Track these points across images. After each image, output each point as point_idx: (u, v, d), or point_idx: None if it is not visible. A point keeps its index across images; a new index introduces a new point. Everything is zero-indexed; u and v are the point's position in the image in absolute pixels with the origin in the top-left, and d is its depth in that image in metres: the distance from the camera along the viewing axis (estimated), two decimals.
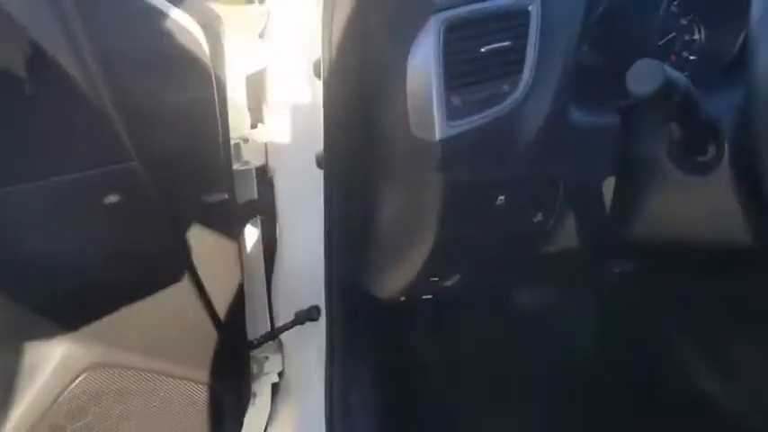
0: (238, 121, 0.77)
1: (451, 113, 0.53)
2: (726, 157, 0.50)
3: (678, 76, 0.46)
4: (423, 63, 0.52)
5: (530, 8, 0.53)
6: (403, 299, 0.65)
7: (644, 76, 0.45)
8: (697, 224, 0.55)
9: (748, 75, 0.42)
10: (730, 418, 0.88)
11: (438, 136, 0.53)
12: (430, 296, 0.67)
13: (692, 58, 0.60)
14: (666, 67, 0.45)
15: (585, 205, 0.59)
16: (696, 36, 0.61)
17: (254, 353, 0.84)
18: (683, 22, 0.61)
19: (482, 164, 0.54)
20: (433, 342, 0.83)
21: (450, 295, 0.67)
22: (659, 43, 0.56)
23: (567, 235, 0.60)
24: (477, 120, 0.53)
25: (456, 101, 0.53)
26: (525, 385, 0.84)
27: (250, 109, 0.81)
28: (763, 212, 0.47)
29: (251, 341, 0.79)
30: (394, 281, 0.63)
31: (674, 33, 0.60)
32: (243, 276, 0.74)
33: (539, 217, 0.57)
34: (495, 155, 0.54)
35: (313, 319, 0.82)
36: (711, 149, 0.51)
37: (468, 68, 0.53)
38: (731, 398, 0.88)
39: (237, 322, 0.74)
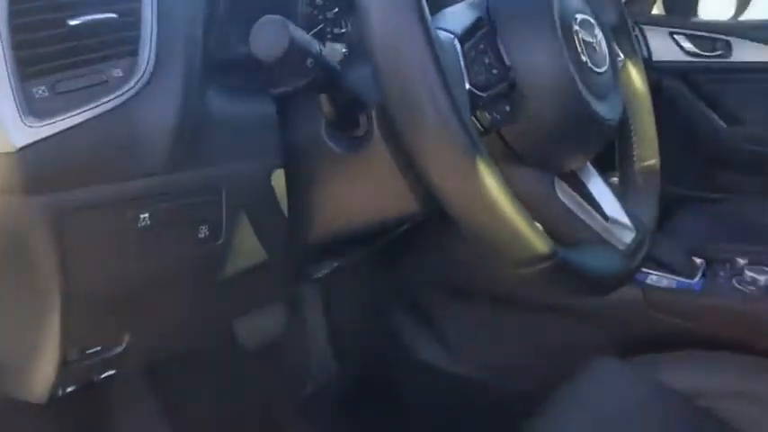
0: None
1: (34, 109, 0.38)
2: (375, 131, 0.48)
3: (306, 37, 0.42)
4: None
5: None
6: None
7: (269, 38, 0.41)
8: (369, 200, 0.52)
9: (366, 48, 0.39)
10: (456, 380, 0.97)
11: (14, 143, 0.37)
12: None
13: (343, 50, 0.58)
14: (292, 26, 0.41)
15: (259, 208, 0.50)
16: (344, 29, 0.59)
17: None
18: (329, 15, 0.58)
19: (89, 175, 0.40)
20: None
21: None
22: (308, 34, 0.52)
23: (250, 246, 0.51)
24: (74, 116, 0.39)
25: (40, 91, 0.38)
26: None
27: None
28: (419, 181, 0.45)
29: None
30: None
31: (321, 25, 0.58)
32: None
33: (203, 232, 0.46)
34: (108, 160, 0.40)
35: None
36: (363, 123, 0.49)
37: (55, 47, 0.39)
38: (451, 363, 0.98)
39: None
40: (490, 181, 0.39)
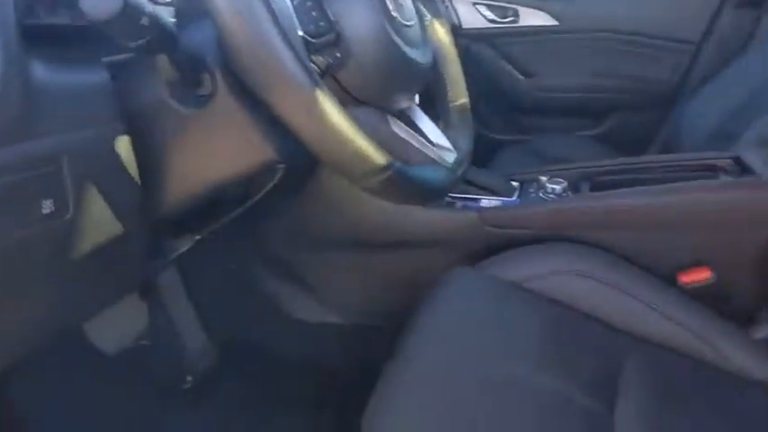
0: None
1: None
2: (220, 87, 0.51)
3: None
4: None
5: None
6: None
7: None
8: (223, 155, 0.55)
9: (209, 12, 0.44)
10: (329, 329, 1.05)
11: None
12: None
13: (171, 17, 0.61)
14: None
15: (107, 178, 0.50)
16: None
17: None
18: None
19: None
20: None
21: None
22: None
23: (103, 219, 0.50)
24: None
25: None
26: None
27: None
28: (270, 127, 0.52)
29: None
30: None
31: None
32: None
33: (48, 207, 0.45)
34: None
35: None
36: (206, 82, 0.52)
37: None
38: (323, 314, 1.05)
39: None
40: (330, 107, 0.47)
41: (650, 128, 1.55)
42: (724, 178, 0.90)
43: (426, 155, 0.63)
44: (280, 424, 1.04)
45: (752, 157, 0.91)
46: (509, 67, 1.57)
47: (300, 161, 0.59)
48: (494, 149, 1.48)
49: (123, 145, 0.50)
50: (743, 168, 0.91)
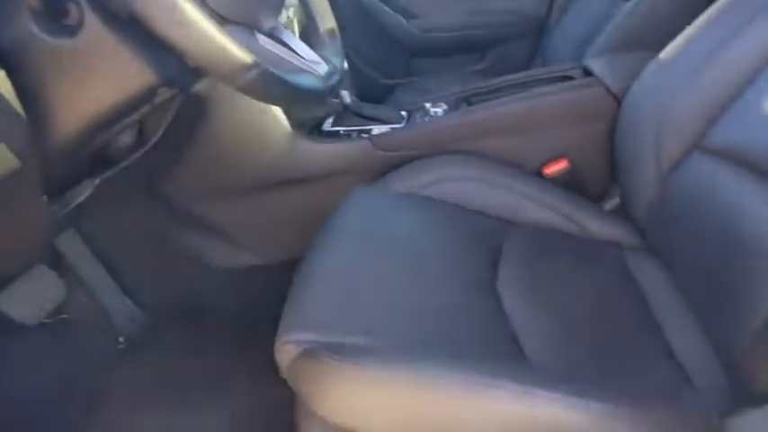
0: None
1: None
2: (87, 15, 0.54)
3: None
4: None
5: None
6: None
7: None
8: (105, 82, 0.57)
9: None
10: (251, 273, 1.12)
11: None
12: None
13: None
14: None
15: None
16: None
17: None
18: None
19: None
20: None
21: None
22: None
23: None
24: None
25: None
26: None
27: None
28: (145, 52, 0.55)
29: None
30: None
31: None
32: None
33: None
34: None
35: None
36: (73, 10, 0.54)
37: None
38: (242, 259, 1.12)
39: None
40: (190, 7, 0.51)
41: (526, 57, 1.71)
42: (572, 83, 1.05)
43: (298, 65, 0.69)
44: (216, 369, 1.08)
45: (595, 65, 1.07)
46: (395, 15, 1.67)
47: (181, 81, 0.61)
48: (386, 93, 1.58)
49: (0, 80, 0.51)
50: (588, 74, 1.06)
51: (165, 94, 0.67)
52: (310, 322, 0.66)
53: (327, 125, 1.12)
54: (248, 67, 0.56)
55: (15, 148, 0.54)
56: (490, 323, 0.70)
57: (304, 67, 0.71)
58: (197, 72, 0.69)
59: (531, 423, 0.55)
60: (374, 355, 0.61)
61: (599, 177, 1.01)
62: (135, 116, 0.69)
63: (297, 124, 1.06)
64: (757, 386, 0.56)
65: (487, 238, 0.88)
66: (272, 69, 0.59)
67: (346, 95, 1.13)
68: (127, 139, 0.76)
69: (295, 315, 0.68)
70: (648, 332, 0.72)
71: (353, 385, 0.59)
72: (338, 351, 0.61)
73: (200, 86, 0.88)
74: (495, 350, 0.66)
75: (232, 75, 0.55)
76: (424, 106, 1.13)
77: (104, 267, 1.09)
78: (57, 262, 1.01)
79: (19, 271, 0.85)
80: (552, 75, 1.11)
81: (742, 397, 0.56)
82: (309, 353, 0.62)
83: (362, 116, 1.11)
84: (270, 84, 0.59)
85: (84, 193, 0.71)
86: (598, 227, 0.92)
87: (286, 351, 0.63)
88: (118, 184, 0.82)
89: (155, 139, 0.78)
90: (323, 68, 0.73)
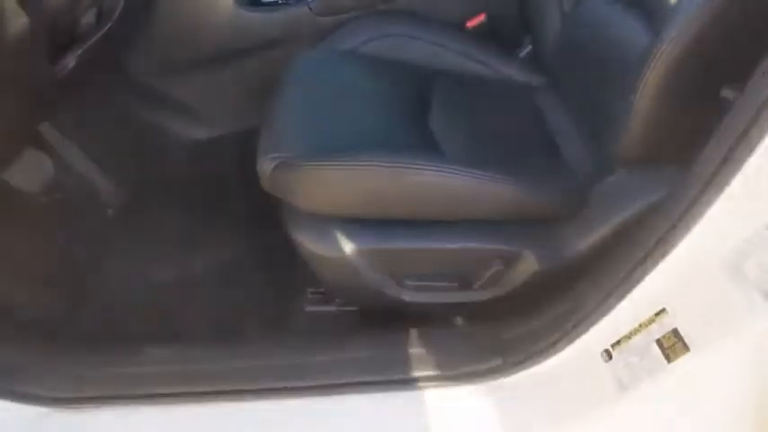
0: None
1: None
2: None
3: None
4: None
5: None
6: None
7: None
8: None
9: None
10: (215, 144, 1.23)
11: None
12: None
13: None
14: None
15: None
16: None
17: None
18: None
19: None
20: None
21: None
22: None
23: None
24: None
25: None
26: None
27: None
28: None
29: None
30: None
31: None
32: None
33: None
34: None
35: None
36: None
37: None
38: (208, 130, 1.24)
39: None
40: None
41: None
42: None
43: None
44: (196, 226, 1.19)
45: None
46: None
47: None
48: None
49: None
50: None
51: None
52: (281, 143, 0.83)
53: None
54: None
55: (22, 2, 0.64)
56: (418, 134, 0.89)
57: None
58: None
59: (440, 191, 0.77)
60: (331, 156, 0.80)
61: (513, 28, 1.15)
62: None
63: None
64: (611, 156, 0.77)
65: (419, 83, 1.02)
66: None
67: None
68: (90, 18, 0.84)
69: (270, 138, 0.86)
70: (546, 146, 0.91)
71: (318, 178, 0.79)
72: (304, 157, 0.79)
73: None
74: (420, 147, 0.86)
75: None
76: None
77: (83, 152, 1.16)
78: (43, 146, 1.09)
79: (19, 149, 0.94)
80: None
81: (604, 175, 0.78)
82: (284, 163, 0.80)
83: None
84: None
85: (70, 63, 0.81)
86: (513, 71, 1.08)
87: (266, 166, 0.80)
88: (87, 68, 0.90)
89: (115, 16, 0.85)
90: None
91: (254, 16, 1.12)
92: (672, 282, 0.57)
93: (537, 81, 1.07)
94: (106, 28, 0.90)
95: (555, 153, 0.88)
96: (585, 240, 0.77)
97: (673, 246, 0.55)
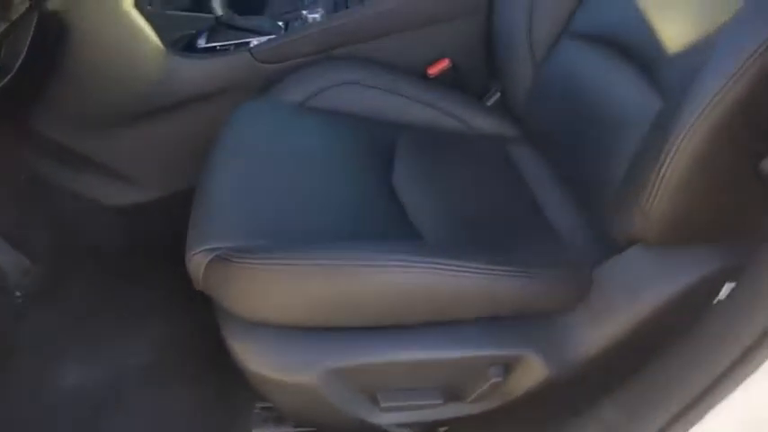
0: None
1: None
2: None
3: None
4: None
5: None
6: None
7: None
8: None
9: None
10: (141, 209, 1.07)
11: None
12: None
13: None
14: None
15: None
16: None
17: None
18: None
19: None
20: None
21: None
22: None
23: None
24: None
25: None
26: None
27: None
28: None
29: None
30: None
31: None
32: None
33: None
34: None
35: None
36: None
37: None
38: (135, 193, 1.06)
39: None
40: None
41: None
42: None
43: None
44: (123, 306, 1.06)
45: None
46: None
47: None
48: (259, 4, 1.49)
49: None
50: None
51: (19, 7, 0.59)
52: (216, 231, 0.67)
53: (202, 41, 1.05)
54: None
55: None
56: (388, 212, 0.74)
57: None
58: None
59: (420, 291, 0.62)
60: (277, 252, 0.64)
61: (479, 74, 1.04)
62: None
63: (170, 43, 0.98)
64: (620, 235, 0.65)
65: (379, 140, 0.89)
66: None
67: (218, 7, 1.05)
68: None
69: (201, 228, 0.69)
70: (531, 214, 0.79)
71: (261, 280, 0.63)
72: (244, 252, 0.63)
73: (55, 2, 0.79)
74: (393, 233, 0.71)
75: None
76: (301, 14, 1.09)
77: None
78: None
79: None
80: None
81: (610, 252, 0.66)
82: (219, 258, 0.63)
83: (237, 28, 1.04)
84: None
85: None
86: (480, 122, 0.97)
87: (197, 261, 0.64)
88: None
89: (18, 63, 0.69)
90: None
91: (188, 64, 0.98)
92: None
93: (508, 132, 0.96)
94: (6, 80, 0.74)
95: (543, 224, 0.75)
96: (601, 334, 0.63)
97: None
